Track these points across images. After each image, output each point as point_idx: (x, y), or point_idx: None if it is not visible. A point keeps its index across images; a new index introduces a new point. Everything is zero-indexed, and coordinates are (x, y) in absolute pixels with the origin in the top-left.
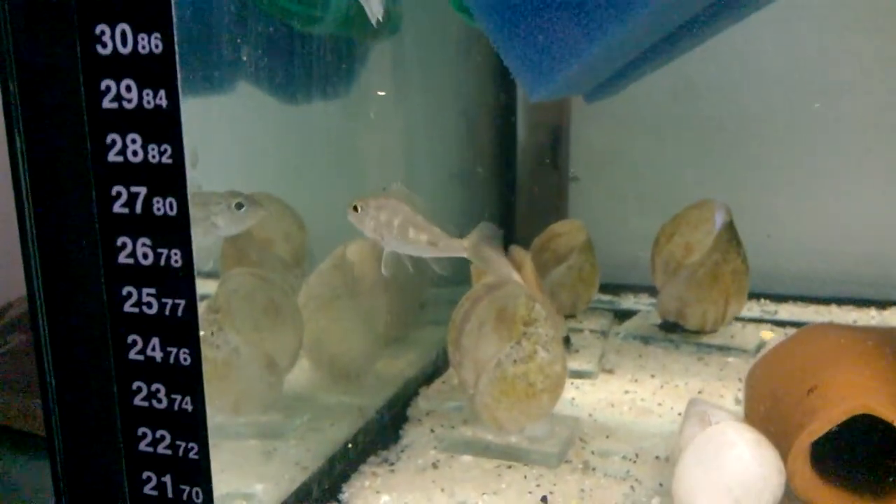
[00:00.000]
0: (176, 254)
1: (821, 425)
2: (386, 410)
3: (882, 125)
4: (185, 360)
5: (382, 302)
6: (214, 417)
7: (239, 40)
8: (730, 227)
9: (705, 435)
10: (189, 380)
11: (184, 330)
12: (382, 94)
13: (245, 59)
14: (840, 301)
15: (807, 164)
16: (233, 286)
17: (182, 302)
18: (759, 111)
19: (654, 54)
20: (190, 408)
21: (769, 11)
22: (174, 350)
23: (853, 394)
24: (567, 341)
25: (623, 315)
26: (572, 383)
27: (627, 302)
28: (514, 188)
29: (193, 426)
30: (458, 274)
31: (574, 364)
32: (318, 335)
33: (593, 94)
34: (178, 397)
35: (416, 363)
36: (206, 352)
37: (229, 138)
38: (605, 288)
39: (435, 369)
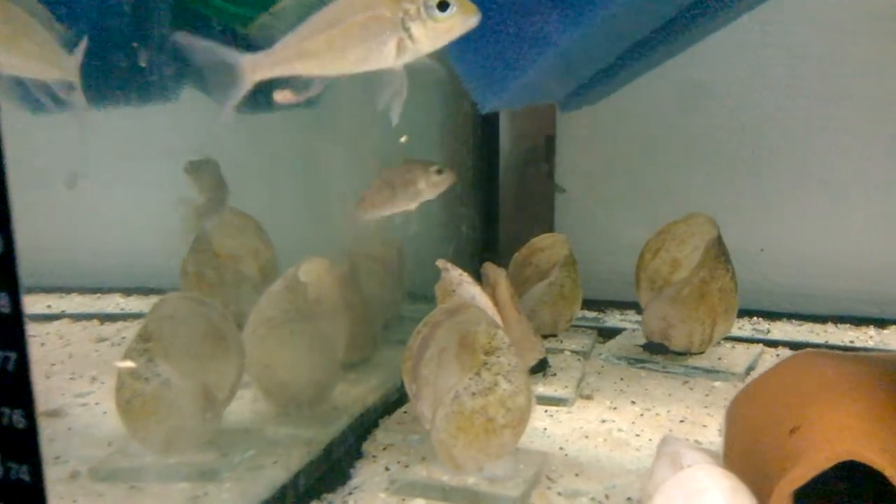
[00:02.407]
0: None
1: (803, 472)
2: (338, 444)
3: (881, 138)
4: (19, 424)
5: (342, 323)
6: (141, 458)
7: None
8: (717, 243)
9: (676, 480)
10: (25, 446)
11: (16, 388)
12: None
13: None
14: (837, 319)
15: (804, 176)
16: (167, 311)
17: (12, 355)
18: (754, 122)
19: (631, 61)
20: (28, 478)
21: (763, 19)
22: (6, 412)
23: (839, 436)
24: (544, 364)
25: (608, 333)
26: (546, 411)
27: (613, 319)
28: (497, 200)
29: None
30: (428, 290)
31: (550, 389)
32: (267, 362)
33: (568, 103)
34: (13, 466)
35: (379, 389)
36: (134, 385)
37: (185, 149)
38: (590, 304)
39: (400, 395)
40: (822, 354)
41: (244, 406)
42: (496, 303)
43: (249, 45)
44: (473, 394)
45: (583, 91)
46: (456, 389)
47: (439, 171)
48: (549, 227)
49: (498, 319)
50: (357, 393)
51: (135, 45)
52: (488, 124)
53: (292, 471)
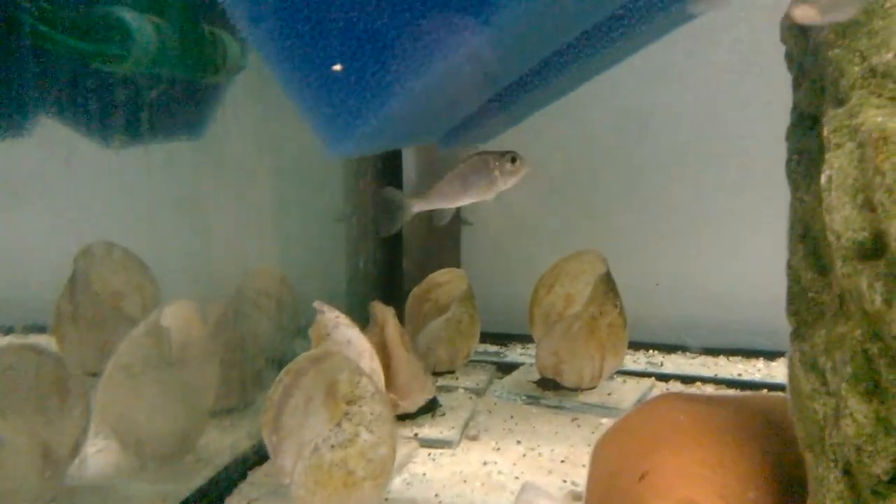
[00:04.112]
0: None
1: None
2: (196, 500)
3: (773, 171)
4: None
5: (212, 368)
6: None
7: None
8: (606, 279)
9: None
10: None
11: None
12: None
13: (40, 97)
14: (729, 352)
15: (697, 212)
16: (4, 364)
17: None
18: (648, 159)
19: (515, 99)
20: None
21: (658, 60)
22: None
23: (680, 483)
24: (434, 404)
25: (507, 368)
26: (430, 454)
27: (514, 353)
28: (400, 233)
29: None
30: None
31: (435, 431)
32: (124, 412)
33: (448, 140)
34: None
35: (255, 435)
36: None
37: (58, 185)
38: (493, 337)
39: None
40: (678, 397)
41: (101, 460)
42: (384, 342)
43: (111, 79)
44: (333, 446)
45: (464, 129)
46: (315, 442)
47: (513, 160)
48: (456, 260)
49: (376, 363)
50: (229, 441)
51: None
52: (390, 155)
53: None
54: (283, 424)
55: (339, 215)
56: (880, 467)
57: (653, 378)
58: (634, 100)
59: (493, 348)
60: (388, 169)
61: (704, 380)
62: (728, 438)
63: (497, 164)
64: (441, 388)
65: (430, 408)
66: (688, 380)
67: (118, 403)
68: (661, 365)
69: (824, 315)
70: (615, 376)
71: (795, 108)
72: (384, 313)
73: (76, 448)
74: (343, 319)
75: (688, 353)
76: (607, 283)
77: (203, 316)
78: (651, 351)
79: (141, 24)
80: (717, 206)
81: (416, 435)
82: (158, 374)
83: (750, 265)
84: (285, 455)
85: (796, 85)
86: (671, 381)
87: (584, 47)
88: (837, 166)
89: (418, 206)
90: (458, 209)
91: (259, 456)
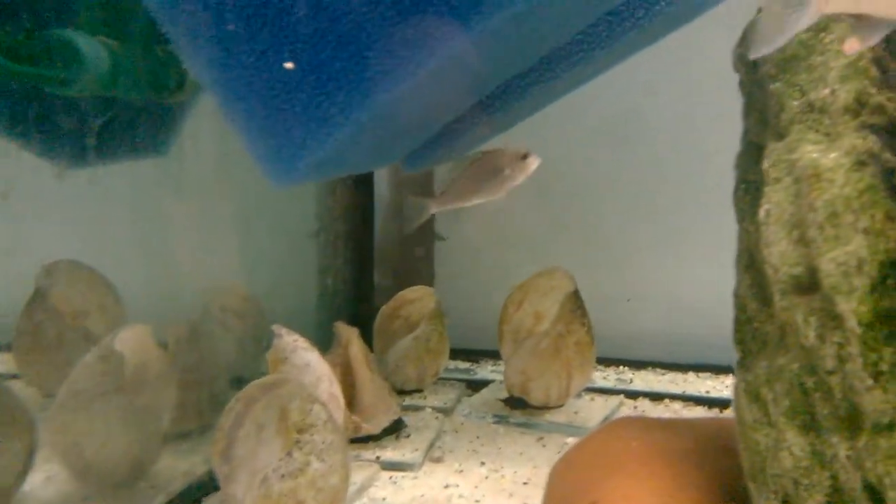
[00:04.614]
0: None
1: None
2: None
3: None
4: None
5: (169, 392)
6: None
7: None
8: (574, 297)
9: None
10: None
11: None
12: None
13: None
14: (699, 368)
15: (667, 227)
16: None
17: None
18: (621, 174)
19: (478, 121)
20: None
21: (635, 72)
22: None
23: None
24: (399, 425)
25: (477, 385)
26: (391, 478)
27: (485, 370)
28: (371, 249)
29: None
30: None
31: (398, 454)
32: (75, 439)
33: (412, 161)
34: None
35: (210, 460)
36: None
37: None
38: (464, 354)
39: None
40: (634, 422)
41: (50, 489)
42: (348, 363)
43: (73, 103)
44: (283, 476)
45: (428, 151)
46: (265, 472)
47: (524, 157)
48: (430, 275)
49: (336, 387)
50: (184, 467)
51: None
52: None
53: None
54: (235, 453)
55: (312, 231)
56: (816, 501)
57: (621, 395)
58: (611, 111)
59: (463, 365)
60: (361, 184)
61: (673, 397)
62: (681, 465)
63: (508, 161)
64: (408, 408)
65: (395, 429)
66: (656, 397)
67: (69, 430)
68: (631, 382)
69: (767, 346)
70: (583, 394)
71: (745, 135)
72: (348, 333)
73: (21, 475)
74: (301, 343)
75: (658, 370)
76: (574, 302)
77: (160, 338)
78: (622, 367)
79: (91, 47)
80: (693, 219)
81: (378, 458)
82: (111, 399)
83: (724, 278)
84: (237, 485)
85: (745, 113)
86: (640, 399)
87: (545, 71)
88: (775, 200)
89: (435, 207)
90: (433, 223)
91: (214, 482)
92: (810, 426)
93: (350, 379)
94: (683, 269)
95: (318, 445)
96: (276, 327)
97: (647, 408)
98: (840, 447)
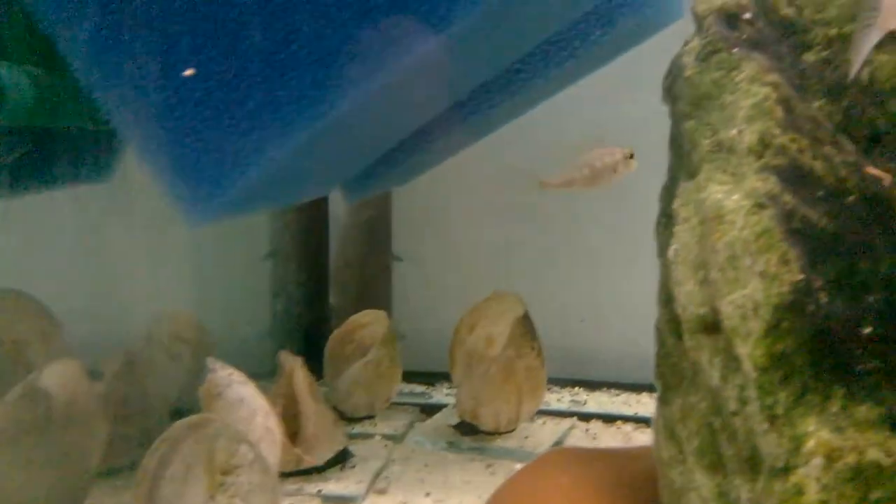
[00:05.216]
0: None
1: None
2: None
3: None
4: None
5: (101, 427)
6: None
7: None
8: (524, 321)
9: None
10: None
11: None
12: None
13: None
14: (652, 389)
15: (622, 247)
16: None
17: None
18: (576, 192)
19: (415, 150)
20: None
21: (592, 88)
22: None
23: None
24: (345, 455)
25: (431, 410)
26: None
27: (440, 394)
28: (327, 270)
29: None
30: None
31: (340, 486)
32: None
33: (353, 190)
34: None
35: None
36: None
37: None
38: (419, 376)
39: None
40: (565, 455)
41: None
42: (292, 394)
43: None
44: None
45: (365, 181)
46: None
47: (630, 156)
48: (387, 296)
49: (272, 421)
50: (114, 503)
51: None
52: None
53: None
54: (161, 495)
55: (264, 254)
56: None
57: (574, 418)
58: (566, 126)
59: (419, 388)
60: (315, 204)
61: (625, 419)
62: (610, 499)
63: (620, 159)
64: (357, 436)
65: (341, 459)
66: (609, 419)
67: None
68: (585, 403)
69: (683, 382)
70: (536, 417)
71: (669, 169)
72: (292, 363)
73: None
74: (237, 377)
75: (613, 390)
76: (524, 326)
77: (98, 369)
78: (576, 388)
79: (14, 78)
80: (649, 237)
81: (319, 491)
82: (34, 439)
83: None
84: None
85: (670, 146)
86: (592, 421)
87: (481, 101)
88: (683, 241)
89: (548, 185)
90: (390, 243)
91: None
92: (717, 467)
93: (294, 410)
94: (638, 288)
95: (245, 487)
96: (210, 360)
97: (598, 430)
98: (742, 489)
